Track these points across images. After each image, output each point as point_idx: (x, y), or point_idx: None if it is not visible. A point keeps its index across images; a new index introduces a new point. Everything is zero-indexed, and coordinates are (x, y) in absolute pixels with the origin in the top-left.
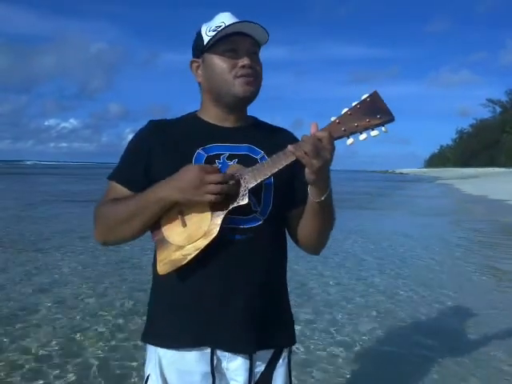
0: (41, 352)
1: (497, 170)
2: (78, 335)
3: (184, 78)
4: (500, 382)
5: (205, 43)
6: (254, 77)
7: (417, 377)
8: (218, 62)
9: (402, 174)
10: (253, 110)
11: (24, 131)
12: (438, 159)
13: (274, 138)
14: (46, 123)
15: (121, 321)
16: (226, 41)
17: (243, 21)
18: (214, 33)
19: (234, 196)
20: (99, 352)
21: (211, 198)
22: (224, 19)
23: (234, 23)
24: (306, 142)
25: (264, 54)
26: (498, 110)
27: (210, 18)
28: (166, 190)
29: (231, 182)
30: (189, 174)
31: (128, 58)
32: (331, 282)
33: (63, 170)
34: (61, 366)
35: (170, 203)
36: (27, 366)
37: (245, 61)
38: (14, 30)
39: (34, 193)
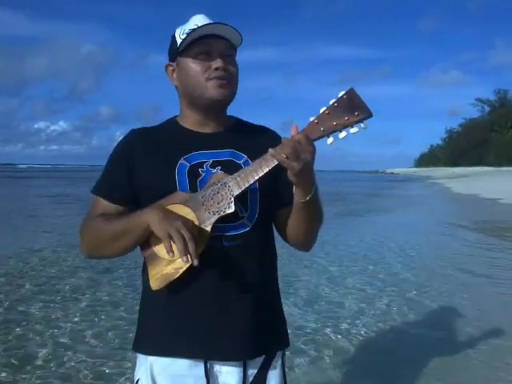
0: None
1: (485, 168)
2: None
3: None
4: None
5: (178, 46)
6: (228, 79)
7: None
8: (192, 65)
9: (392, 173)
10: (243, 111)
11: (14, 134)
12: (428, 159)
13: (257, 139)
14: (36, 126)
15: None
16: (198, 43)
17: (215, 23)
18: (186, 35)
19: (220, 205)
20: (87, 357)
21: (164, 235)
22: (197, 21)
23: (205, 25)
24: (286, 145)
25: (254, 54)
26: (487, 109)
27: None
28: (149, 215)
29: (191, 246)
30: (176, 214)
31: (118, 60)
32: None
33: (64, 174)
34: (44, 367)
35: (149, 228)
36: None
37: (218, 63)
38: (2, 32)
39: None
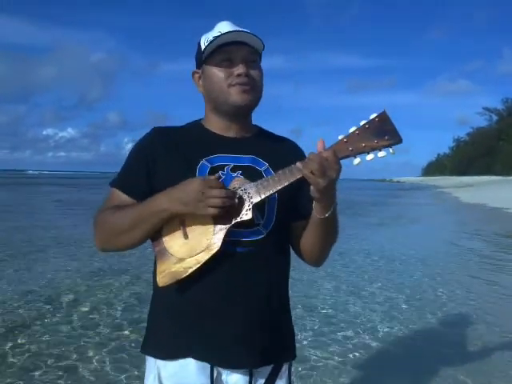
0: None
1: (493, 178)
2: (79, 343)
3: (183, 88)
4: None
5: (202, 54)
6: (250, 85)
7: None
8: (215, 72)
9: (399, 182)
10: (253, 120)
11: (22, 140)
12: (436, 167)
13: (279, 150)
14: (45, 132)
15: (120, 330)
16: (221, 51)
17: (235, 30)
18: (209, 43)
19: (238, 210)
20: (99, 361)
21: (213, 211)
22: (221, 28)
23: (226, 33)
24: (313, 161)
25: (263, 63)
26: (495, 118)
27: (208, 27)
28: (168, 201)
29: (235, 199)
30: (191, 186)
31: (126, 68)
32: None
33: (77, 181)
34: (56, 372)
35: (171, 215)
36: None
37: (240, 69)
38: (12, 41)
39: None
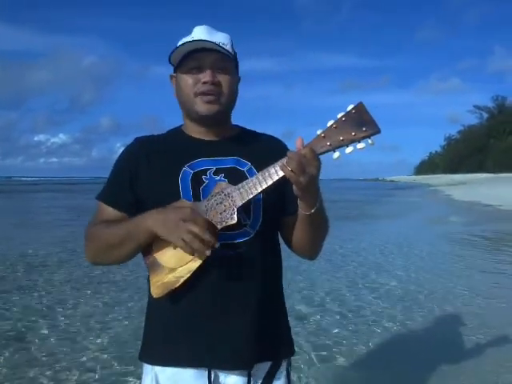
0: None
1: (485, 175)
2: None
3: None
4: None
5: (169, 60)
6: (216, 93)
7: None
8: (184, 79)
9: (392, 181)
10: (244, 121)
11: (14, 147)
12: (428, 166)
13: (261, 147)
14: (36, 138)
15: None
16: (191, 57)
17: (199, 40)
18: (177, 49)
19: (223, 215)
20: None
21: (181, 244)
22: (196, 34)
23: (191, 41)
24: (292, 159)
25: (254, 65)
26: (485, 116)
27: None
28: (152, 220)
29: (208, 241)
30: (177, 212)
31: (119, 72)
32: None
33: (71, 187)
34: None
35: (153, 234)
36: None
37: (206, 76)
38: (3, 47)
39: None
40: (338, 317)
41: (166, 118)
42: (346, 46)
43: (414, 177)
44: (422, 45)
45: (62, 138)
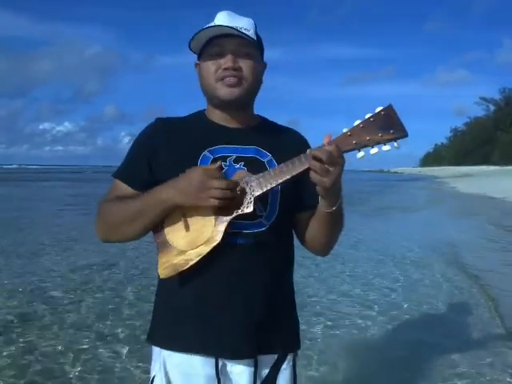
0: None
1: (491, 168)
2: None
3: (180, 80)
4: None
5: (189, 46)
6: (238, 78)
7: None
8: (206, 65)
9: (397, 173)
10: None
11: (19, 136)
12: (433, 158)
13: (282, 140)
14: (41, 127)
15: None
16: (211, 44)
17: (220, 25)
18: (198, 36)
19: (239, 203)
20: (105, 353)
21: (214, 202)
22: (218, 20)
23: (208, 27)
24: (317, 156)
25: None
26: (492, 108)
27: (205, 18)
28: (169, 192)
29: (237, 190)
30: (192, 176)
31: (123, 61)
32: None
33: (78, 175)
34: (67, 364)
35: (172, 206)
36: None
37: (227, 62)
38: (9, 35)
39: None
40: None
41: (170, 107)
42: (352, 37)
43: (420, 168)
44: (429, 36)
45: (67, 126)
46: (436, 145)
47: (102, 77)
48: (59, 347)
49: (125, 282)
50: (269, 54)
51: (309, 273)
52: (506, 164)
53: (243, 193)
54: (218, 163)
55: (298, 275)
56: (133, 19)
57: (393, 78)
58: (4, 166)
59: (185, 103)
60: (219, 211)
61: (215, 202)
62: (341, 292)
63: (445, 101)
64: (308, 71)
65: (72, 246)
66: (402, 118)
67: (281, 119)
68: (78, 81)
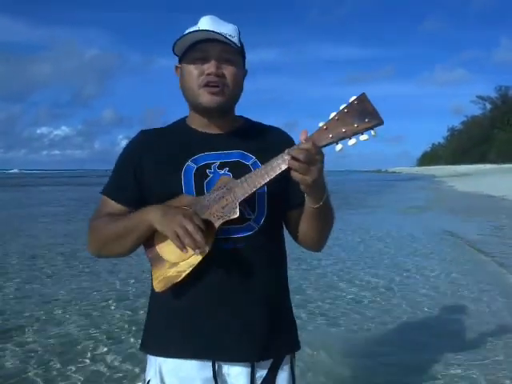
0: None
1: (488, 166)
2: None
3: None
4: None
5: (173, 50)
6: (221, 85)
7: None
8: (189, 70)
9: (395, 172)
10: (246, 112)
11: (17, 140)
12: (430, 157)
13: (266, 140)
14: (39, 131)
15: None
16: (195, 49)
17: (204, 30)
18: (181, 40)
19: (225, 209)
20: (101, 357)
21: (173, 237)
22: (201, 24)
23: (193, 31)
24: (295, 157)
25: (259, 55)
26: (489, 106)
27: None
28: (152, 214)
29: (198, 241)
30: (177, 209)
31: (121, 65)
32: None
33: (88, 179)
34: (61, 369)
35: (151, 227)
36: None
37: (210, 68)
38: (6, 39)
39: None
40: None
41: (168, 110)
42: (351, 37)
43: (417, 168)
44: (427, 35)
45: (64, 130)
46: (433, 144)
47: (100, 80)
48: None
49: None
50: (268, 55)
51: (304, 271)
52: (504, 162)
53: (228, 199)
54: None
55: (295, 271)
56: (131, 21)
57: (392, 77)
58: (6, 172)
59: (184, 106)
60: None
61: (174, 236)
62: (336, 290)
63: (442, 100)
64: (307, 71)
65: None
66: (375, 106)
67: (278, 120)
68: (76, 84)
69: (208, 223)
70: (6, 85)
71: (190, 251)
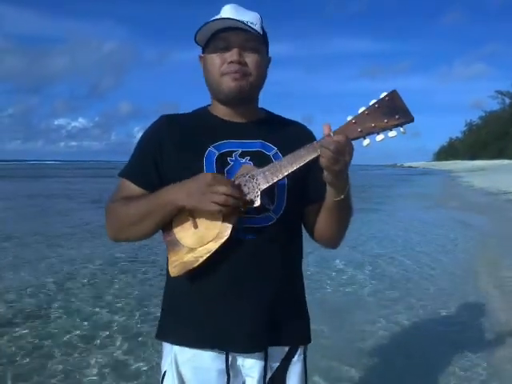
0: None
1: (506, 162)
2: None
3: (193, 76)
4: None
5: (194, 39)
6: (243, 72)
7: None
8: (211, 59)
9: (411, 167)
10: (263, 106)
11: (35, 131)
12: (447, 152)
13: (288, 133)
14: (56, 122)
15: (134, 319)
16: (217, 37)
17: (228, 18)
18: (203, 29)
19: (247, 197)
20: (115, 350)
21: (216, 208)
22: (223, 13)
23: (215, 20)
24: (326, 147)
25: (273, 49)
26: (508, 101)
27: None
28: (175, 193)
29: (240, 200)
30: (200, 179)
31: (138, 58)
32: None
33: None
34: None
35: (178, 207)
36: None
37: (233, 55)
38: (25, 33)
39: None
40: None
41: (183, 103)
42: (367, 32)
43: (434, 163)
44: (445, 29)
45: (81, 121)
46: (450, 138)
47: (116, 73)
48: None
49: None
50: (283, 49)
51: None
52: None
53: (250, 187)
54: (225, 177)
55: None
56: (146, 14)
57: (409, 71)
58: (25, 162)
59: (199, 98)
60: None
61: (215, 207)
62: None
63: (461, 95)
64: (323, 66)
65: None
66: (407, 104)
67: (295, 114)
68: (93, 77)
69: (232, 182)
70: (24, 77)
71: (209, 236)
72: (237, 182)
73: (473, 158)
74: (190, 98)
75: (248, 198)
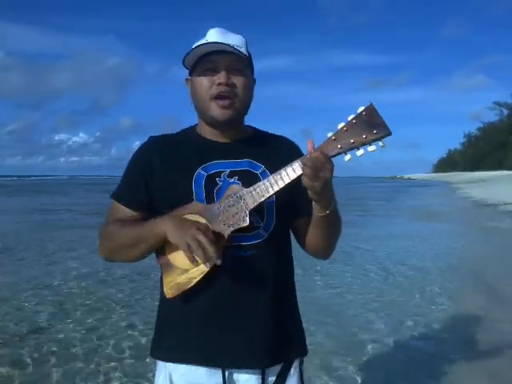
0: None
1: (505, 172)
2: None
3: None
4: None
5: (183, 63)
6: (231, 96)
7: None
8: (199, 81)
9: (410, 179)
10: (260, 120)
11: (36, 147)
12: (447, 163)
13: (274, 149)
14: (57, 138)
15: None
16: (204, 60)
17: (213, 42)
18: (191, 53)
19: (236, 217)
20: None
21: (185, 249)
22: (209, 37)
23: (202, 44)
24: (305, 165)
25: (274, 63)
26: (506, 112)
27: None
28: (165, 226)
29: (211, 252)
30: (190, 222)
31: (139, 72)
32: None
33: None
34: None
35: (165, 237)
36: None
37: (221, 78)
38: (26, 49)
39: None
40: None
41: (184, 118)
42: (368, 44)
43: (433, 174)
44: (444, 41)
45: (82, 136)
46: (449, 150)
47: (117, 87)
48: None
49: None
50: (284, 62)
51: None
52: None
53: (238, 207)
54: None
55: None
56: (147, 30)
57: (409, 83)
58: (27, 178)
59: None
60: (216, 229)
61: (186, 249)
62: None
63: (460, 106)
64: (323, 79)
65: None
66: (383, 117)
67: (296, 127)
68: (94, 92)
69: (219, 236)
70: (26, 93)
71: (199, 262)
72: (225, 203)
73: (472, 169)
74: (192, 113)
75: (236, 218)
